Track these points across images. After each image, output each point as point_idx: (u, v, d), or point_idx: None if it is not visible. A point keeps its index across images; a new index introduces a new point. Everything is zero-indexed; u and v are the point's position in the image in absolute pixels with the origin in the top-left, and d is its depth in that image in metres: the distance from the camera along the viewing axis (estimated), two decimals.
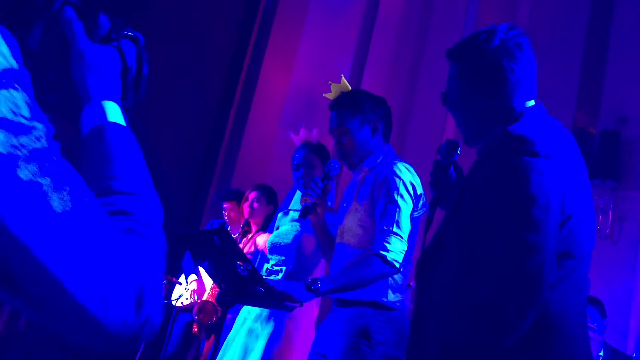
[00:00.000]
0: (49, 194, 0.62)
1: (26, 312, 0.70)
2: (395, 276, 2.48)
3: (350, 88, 2.84)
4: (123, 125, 0.83)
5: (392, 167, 2.50)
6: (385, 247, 2.38)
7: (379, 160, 2.59)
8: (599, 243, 3.22)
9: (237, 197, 4.83)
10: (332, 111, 2.64)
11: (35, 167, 0.61)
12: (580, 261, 1.58)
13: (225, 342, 2.93)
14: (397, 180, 2.46)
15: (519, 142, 1.52)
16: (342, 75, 2.93)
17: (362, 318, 2.42)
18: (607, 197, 5.33)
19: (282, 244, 2.96)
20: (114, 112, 0.84)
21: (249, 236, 4.29)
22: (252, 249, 4.12)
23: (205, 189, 6.05)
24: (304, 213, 2.55)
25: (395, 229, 2.40)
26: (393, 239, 2.39)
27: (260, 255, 3.22)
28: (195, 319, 4.43)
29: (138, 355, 4.58)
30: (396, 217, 2.41)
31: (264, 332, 2.80)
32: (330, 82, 2.86)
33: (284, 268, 2.91)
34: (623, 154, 5.42)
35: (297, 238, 2.95)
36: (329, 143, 2.96)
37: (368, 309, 2.43)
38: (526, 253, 1.45)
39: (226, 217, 4.83)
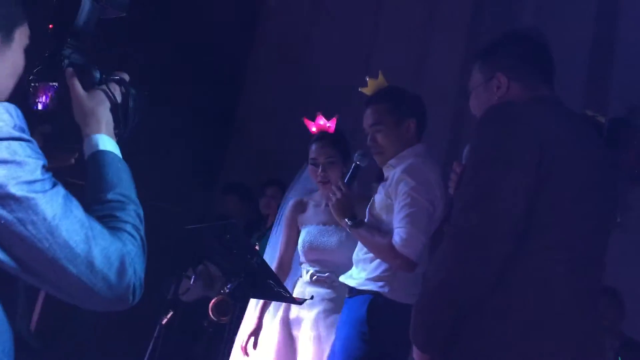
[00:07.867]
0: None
1: (45, 289, 1.03)
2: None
3: (387, 84, 2.67)
4: (110, 151, 1.16)
5: (405, 166, 2.48)
6: (400, 240, 2.37)
7: (404, 159, 2.55)
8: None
9: (238, 190, 4.90)
10: (367, 107, 2.58)
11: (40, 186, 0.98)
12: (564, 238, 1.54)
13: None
14: (409, 179, 2.43)
15: None
16: (380, 70, 2.70)
17: (363, 308, 2.43)
18: None
19: (321, 250, 2.92)
20: (105, 142, 1.17)
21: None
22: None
23: (214, 184, 6.06)
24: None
25: (409, 225, 2.38)
26: (407, 234, 2.37)
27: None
28: (209, 314, 4.43)
29: (149, 350, 4.60)
30: (410, 214, 2.39)
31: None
32: (367, 78, 2.67)
33: (328, 273, 2.87)
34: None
35: (339, 242, 2.90)
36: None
37: (370, 297, 2.45)
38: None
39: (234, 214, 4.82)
